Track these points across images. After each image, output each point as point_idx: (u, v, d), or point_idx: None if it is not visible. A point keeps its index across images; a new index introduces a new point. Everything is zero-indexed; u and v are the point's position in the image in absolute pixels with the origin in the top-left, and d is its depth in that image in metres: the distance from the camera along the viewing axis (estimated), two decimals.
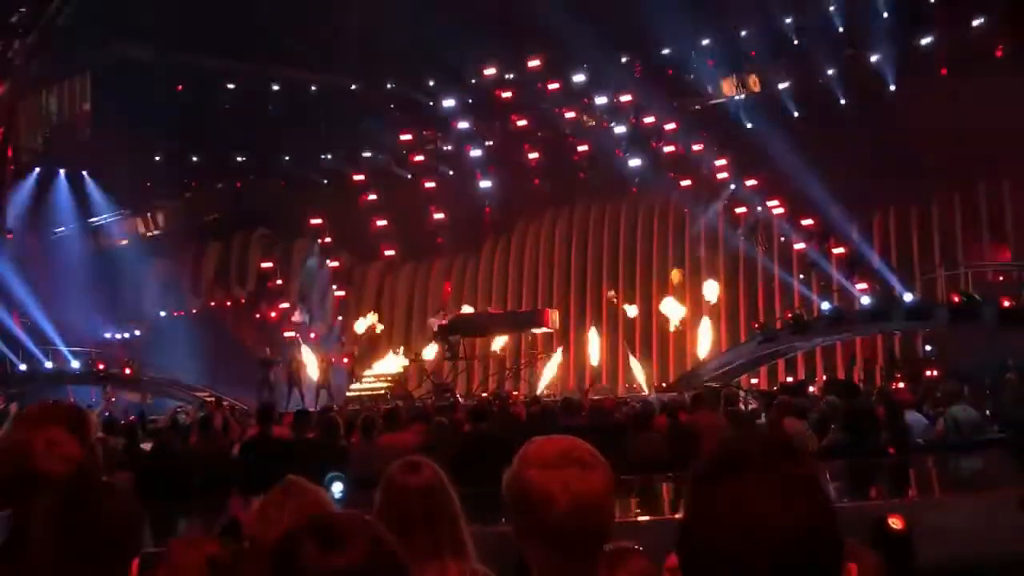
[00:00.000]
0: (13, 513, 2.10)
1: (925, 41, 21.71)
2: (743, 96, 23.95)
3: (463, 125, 25.88)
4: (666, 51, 24.60)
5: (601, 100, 25.09)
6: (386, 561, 1.70)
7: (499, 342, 21.95)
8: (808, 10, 22.97)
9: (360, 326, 23.70)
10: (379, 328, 23.70)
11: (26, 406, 2.73)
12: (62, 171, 27.23)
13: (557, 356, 21.66)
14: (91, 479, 2.23)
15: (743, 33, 23.75)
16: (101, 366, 22.81)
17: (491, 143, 26.07)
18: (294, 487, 2.95)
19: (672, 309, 21.69)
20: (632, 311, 22.95)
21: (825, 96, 22.50)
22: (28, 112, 28.08)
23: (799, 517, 1.33)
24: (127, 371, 22.78)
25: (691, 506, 1.38)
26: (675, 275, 22.88)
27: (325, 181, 26.80)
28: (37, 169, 27.07)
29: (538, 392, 19.21)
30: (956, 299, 16.88)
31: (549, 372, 21.19)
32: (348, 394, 21.40)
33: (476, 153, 25.92)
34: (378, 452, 7.83)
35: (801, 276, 22.11)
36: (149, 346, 25.02)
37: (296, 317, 24.88)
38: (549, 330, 21.38)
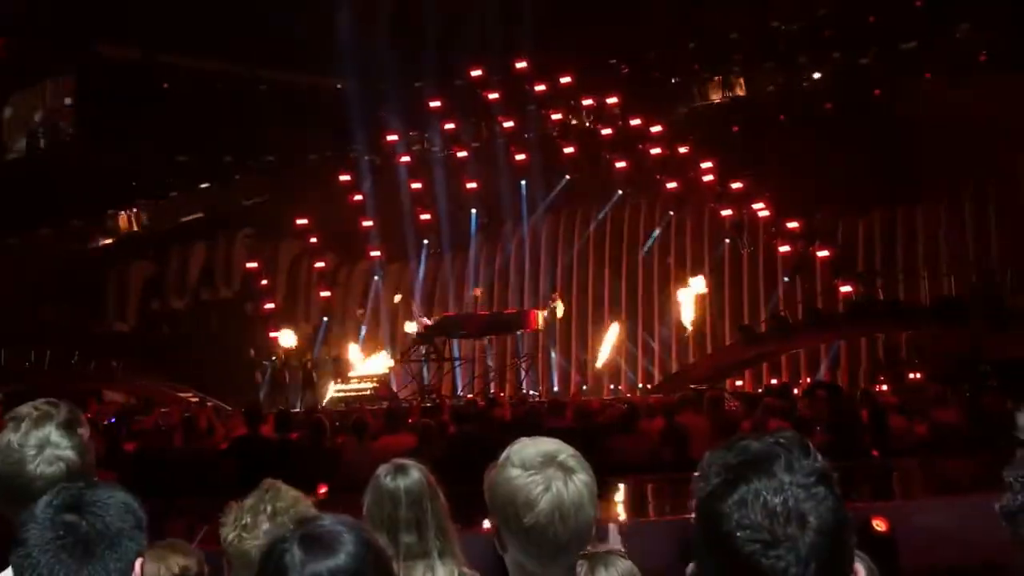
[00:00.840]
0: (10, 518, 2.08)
1: (910, 45, 21.80)
2: (729, 99, 24.01)
3: (450, 126, 25.84)
4: (653, 53, 24.66)
5: (587, 102, 25.10)
6: (373, 563, 1.71)
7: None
8: (795, 13, 23.04)
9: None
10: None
11: (14, 406, 2.71)
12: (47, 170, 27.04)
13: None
14: (88, 479, 2.22)
15: (730, 36, 23.83)
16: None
17: (477, 144, 26.04)
18: (272, 490, 2.92)
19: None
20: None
21: (811, 99, 22.58)
22: (12, 110, 27.93)
23: (827, 512, 1.35)
24: (110, 371, 22.65)
25: (714, 505, 1.38)
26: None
27: (311, 181, 26.68)
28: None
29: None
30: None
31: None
32: (333, 395, 21.34)
33: (462, 154, 25.88)
34: (376, 454, 7.81)
35: (786, 279, 22.15)
36: (133, 346, 24.88)
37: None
38: (534, 331, 21.39)
